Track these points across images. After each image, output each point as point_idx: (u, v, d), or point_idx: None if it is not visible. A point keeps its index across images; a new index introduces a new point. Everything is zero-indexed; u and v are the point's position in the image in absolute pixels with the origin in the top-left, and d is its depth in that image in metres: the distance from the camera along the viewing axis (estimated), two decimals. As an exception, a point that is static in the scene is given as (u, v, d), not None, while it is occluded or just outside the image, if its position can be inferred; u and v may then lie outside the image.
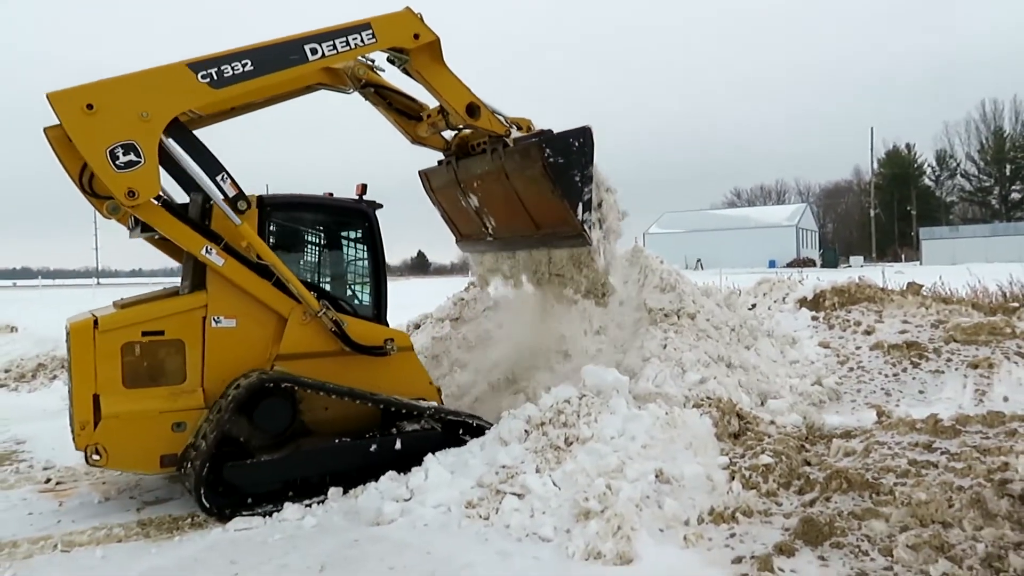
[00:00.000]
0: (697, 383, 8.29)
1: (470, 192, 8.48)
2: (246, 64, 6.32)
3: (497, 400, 8.52)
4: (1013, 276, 14.84)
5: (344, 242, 7.61)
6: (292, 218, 7.21)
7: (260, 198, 6.68)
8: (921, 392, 8.90)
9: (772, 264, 63.42)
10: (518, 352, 9.17)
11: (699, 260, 68.94)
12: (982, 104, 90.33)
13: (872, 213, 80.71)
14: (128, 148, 5.79)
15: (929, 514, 4.97)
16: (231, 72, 6.26)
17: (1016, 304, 12.19)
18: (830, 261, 68.30)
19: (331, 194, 7.44)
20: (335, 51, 6.73)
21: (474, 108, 7.44)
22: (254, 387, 6.11)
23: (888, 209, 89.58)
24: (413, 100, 8.14)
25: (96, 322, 6.03)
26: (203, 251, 6.21)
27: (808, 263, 65.15)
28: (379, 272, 7.36)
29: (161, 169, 6.14)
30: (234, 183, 6.33)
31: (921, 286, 12.80)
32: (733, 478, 6.05)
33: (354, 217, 7.38)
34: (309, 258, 7.50)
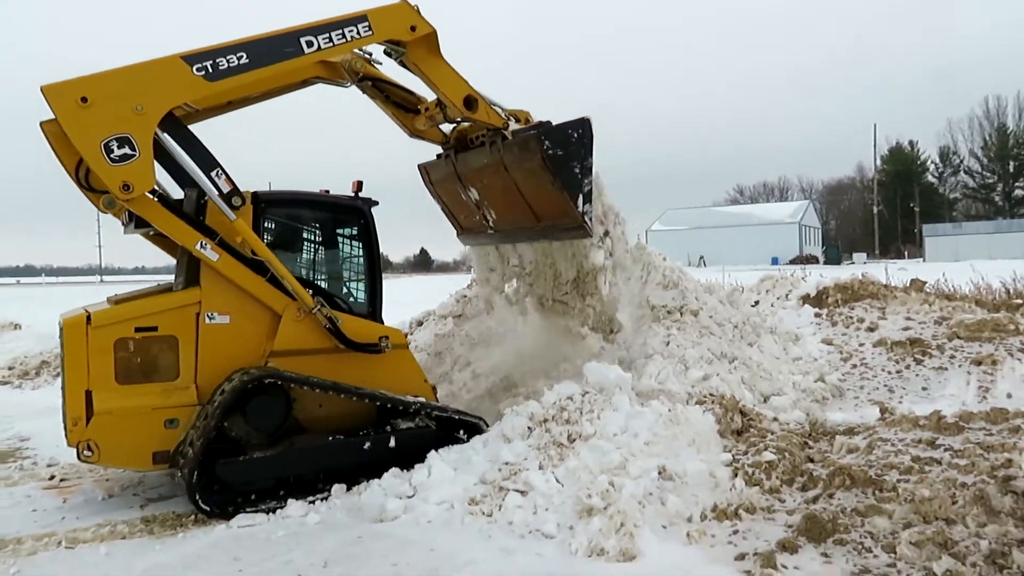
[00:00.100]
0: (700, 380, 8.29)
1: (470, 185, 8.45)
2: (241, 57, 6.29)
3: (498, 400, 8.52)
4: (1016, 273, 14.83)
5: (339, 239, 7.58)
6: (287, 214, 7.19)
7: (255, 194, 6.66)
8: (924, 389, 8.89)
9: (775, 261, 63.35)
10: (519, 356, 9.14)
11: (702, 257, 68.88)
12: (985, 100, 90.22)
13: (875, 210, 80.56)
14: (123, 141, 5.77)
15: (932, 511, 4.97)
16: (226, 65, 6.23)
17: (1020, 301, 12.16)
18: (833, 258, 68.15)
19: (327, 191, 7.42)
20: (331, 44, 6.69)
21: (472, 101, 7.40)
22: (245, 384, 6.07)
23: (891, 206, 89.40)
24: (411, 93, 8.10)
25: (89, 318, 6.02)
26: (197, 246, 6.19)
27: (811, 260, 65.03)
28: (374, 269, 7.34)
29: (156, 164, 6.11)
30: (229, 178, 6.31)
31: (924, 283, 12.79)
32: (736, 475, 6.05)
33: (349, 214, 7.36)
34: (304, 255, 7.48)
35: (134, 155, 5.80)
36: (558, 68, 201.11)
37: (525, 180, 7.51)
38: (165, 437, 6.08)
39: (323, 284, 7.32)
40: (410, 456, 6.47)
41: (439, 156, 8.88)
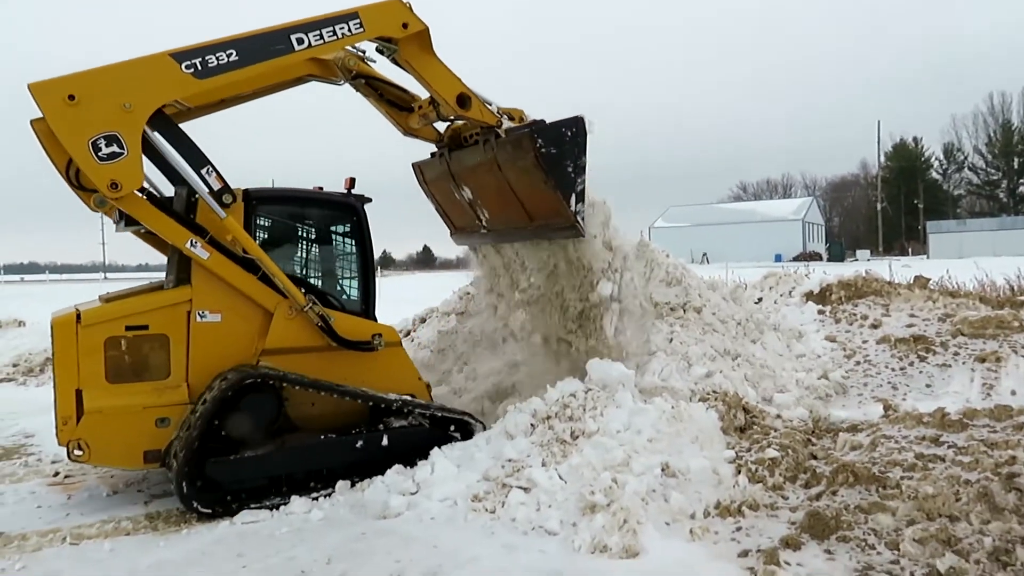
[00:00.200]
0: (703, 377, 8.29)
1: (463, 184, 8.39)
2: (231, 54, 6.23)
3: (500, 399, 8.51)
4: (1021, 270, 14.80)
5: (332, 236, 7.53)
6: (279, 212, 7.13)
7: (246, 191, 6.62)
8: (928, 386, 8.88)
9: (778, 258, 63.26)
10: (519, 370, 9.08)
11: (705, 254, 68.86)
12: (990, 97, 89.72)
13: (879, 207, 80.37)
14: (111, 139, 5.72)
15: (936, 508, 4.96)
16: (216, 62, 6.16)
17: (1024, 298, 12.14)
18: (836, 255, 68.07)
19: (321, 188, 7.37)
20: (322, 41, 6.62)
21: (465, 99, 7.34)
22: (236, 383, 6.02)
23: (895, 203, 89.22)
24: (404, 91, 8.04)
25: (79, 316, 5.98)
26: (188, 244, 6.15)
27: (814, 257, 65.01)
28: (367, 266, 7.29)
29: (147, 161, 6.09)
30: (219, 176, 6.25)
31: (928, 280, 12.76)
32: (739, 472, 6.05)
33: (342, 211, 7.31)
34: (296, 252, 7.42)
35: (122, 153, 5.75)
36: (558, 67, 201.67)
37: (518, 179, 7.46)
38: (156, 436, 6.05)
39: (315, 282, 7.26)
40: (403, 455, 6.43)
41: (433, 154, 8.82)
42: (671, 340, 8.80)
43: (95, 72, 5.87)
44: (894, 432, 6.65)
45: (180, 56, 6.07)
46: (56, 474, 7.20)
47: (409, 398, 6.86)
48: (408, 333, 11.99)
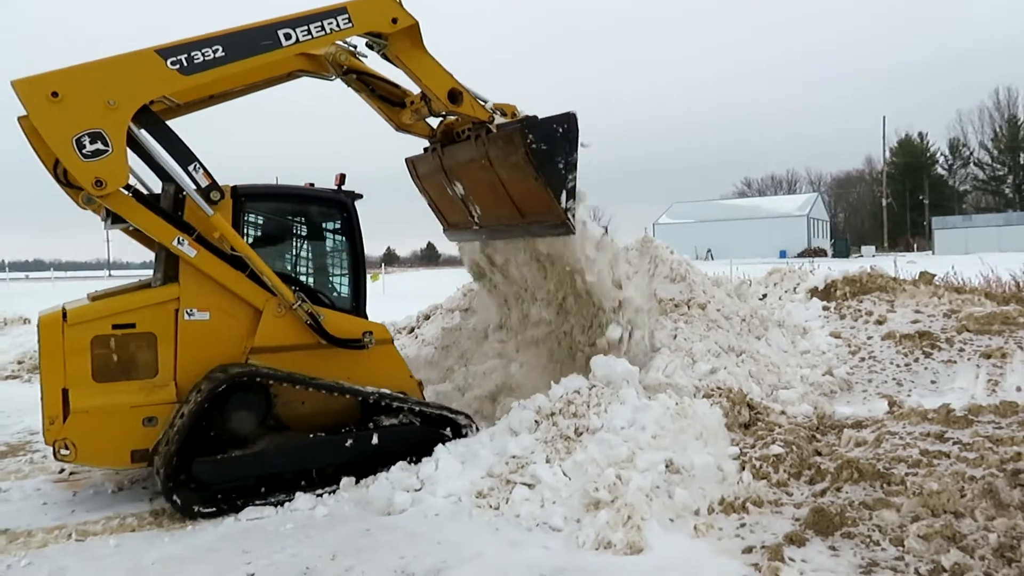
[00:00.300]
0: (707, 373, 8.29)
1: (455, 180, 8.34)
2: (217, 50, 6.14)
3: (502, 397, 8.49)
4: (1027, 266, 14.74)
5: (322, 233, 7.46)
6: (268, 209, 7.05)
7: (234, 188, 6.54)
8: (933, 382, 8.87)
9: (783, 254, 63.07)
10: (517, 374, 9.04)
11: (709, 250, 68.73)
12: (996, 92, 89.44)
13: (884, 202, 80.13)
14: (95, 137, 5.65)
15: (941, 504, 4.96)
16: (201, 58, 6.08)
17: (1029, 293, 12.10)
18: (841, 251, 67.94)
19: (312, 184, 7.31)
20: (309, 36, 6.53)
21: (456, 94, 7.27)
22: (223, 381, 5.95)
23: (900, 198, 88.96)
24: (396, 86, 7.95)
25: (65, 315, 5.93)
26: (175, 242, 6.07)
27: (819, 253, 64.80)
28: (358, 263, 7.21)
29: (136, 158, 6.04)
30: (207, 173, 6.18)
31: (933, 275, 12.74)
32: (743, 468, 6.05)
33: (332, 208, 7.21)
34: (285, 249, 7.33)
35: (107, 150, 5.68)
36: (560, 60, 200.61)
37: (509, 175, 7.40)
38: (143, 435, 5.98)
39: (305, 279, 7.19)
40: (395, 454, 6.39)
41: (426, 150, 8.77)
42: (675, 336, 8.80)
43: (79, 68, 5.79)
44: (899, 428, 6.65)
45: (165, 52, 5.98)
46: (61, 471, 7.22)
47: (390, 393, 6.73)
48: (412, 330, 12.01)
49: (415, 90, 7.72)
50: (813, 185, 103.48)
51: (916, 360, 9.41)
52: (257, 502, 5.95)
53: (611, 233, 8.20)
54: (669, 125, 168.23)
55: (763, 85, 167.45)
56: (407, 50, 7.09)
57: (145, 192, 6.71)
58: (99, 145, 5.67)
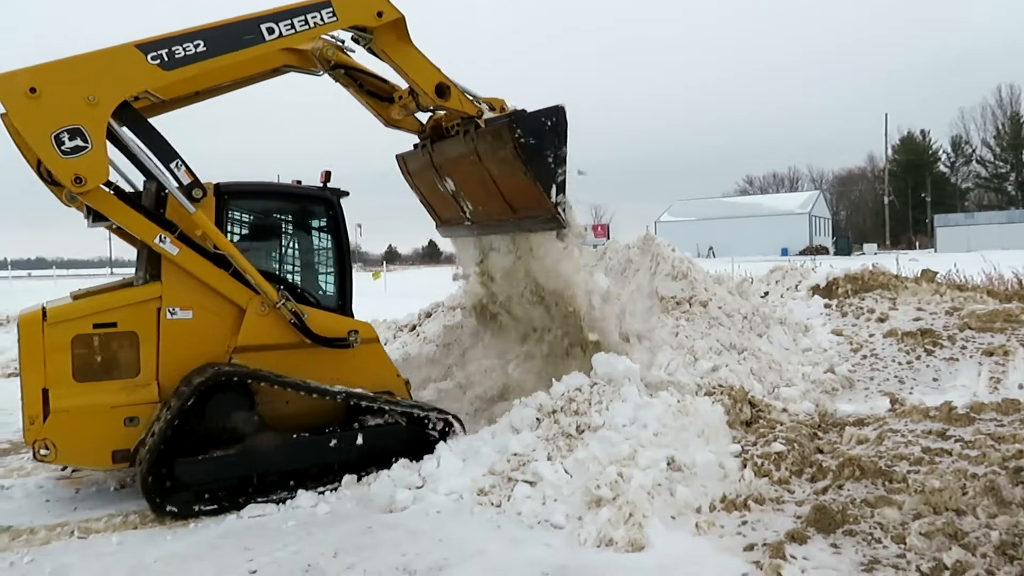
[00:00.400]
0: (709, 371, 8.29)
1: (446, 175, 8.26)
2: (198, 44, 6.05)
3: (505, 394, 8.49)
4: (1029, 263, 14.71)
5: (307, 231, 7.39)
6: (251, 206, 6.98)
7: (217, 186, 6.47)
8: (935, 380, 8.85)
9: (785, 252, 63.08)
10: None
11: (711, 248, 68.72)
12: (998, 89, 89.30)
13: (886, 200, 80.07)
14: (74, 133, 5.57)
15: (943, 502, 4.96)
16: (183, 53, 5.99)
17: (1032, 291, 12.09)
18: (843, 249, 67.89)
19: (299, 182, 7.25)
20: (293, 30, 6.44)
21: (444, 89, 7.17)
22: (205, 381, 5.88)
23: (902, 196, 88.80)
24: (385, 81, 7.85)
25: (45, 314, 5.87)
26: (156, 240, 6.00)
27: (821, 251, 64.76)
28: (344, 261, 7.13)
29: (120, 155, 5.97)
30: (189, 170, 6.12)
31: (935, 273, 12.73)
32: (745, 466, 6.05)
33: (317, 205, 7.14)
34: (270, 247, 7.25)
35: (86, 147, 5.60)
36: (560, 59, 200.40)
37: (498, 170, 7.32)
38: (125, 435, 5.91)
39: (290, 277, 7.11)
40: (381, 454, 6.36)
41: (416, 146, 8.70)
42: (677, 334, 8.81)
43: (57, 64, 5.71)
44: (900, 426, 6.64)
45: (146, 47, 5.90)
46: (64, 468, 7.23)
47: (367, 392, 6.62)
48: (414, 327, 12.02)
49: (403, 85, 7.64)
50: (815, 183, 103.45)
51: (918, 358, 9.40)
52: (239, 502, 5.88)
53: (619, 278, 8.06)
54: (671, 124, 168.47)
55: (764, 84, 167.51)
56: (393, 44, 6.99)
57: (130, 189, 6.63)
58: (78, 141, 5.60)
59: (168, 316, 6.15)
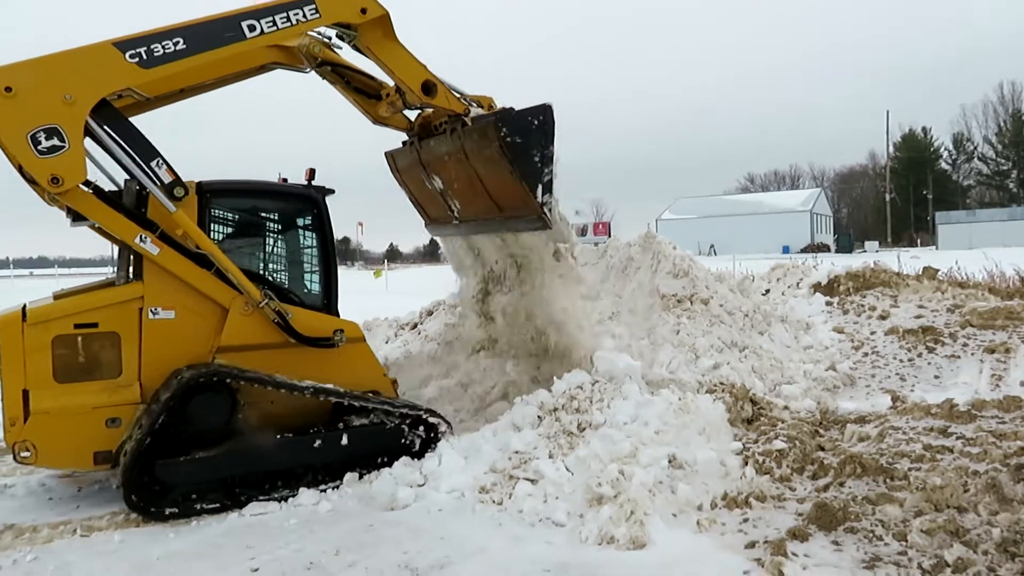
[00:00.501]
0: (710, 369, 8.30)
1: (433, 174, 8.19)
2: (178, 42, 5.95)
3: (507, 392, 8.48)
4: (1030, 260, 14.70)
5: (291, 229, 7.31)
6: (234, 205, 6.85)
7: (199, 184, 6.39)
8: (936, 377, 8.86)
9: (786, 250, 63.06)
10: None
11: (712, 246, 68.70)
12: (1000, 86, 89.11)
13: (887, 198, 79.98)
14: (51, 132, 5.49)
15: (944, 499, 4.96)
16: (162, 51, 5.90)
17: (1033, 288, 12.08)
18: (845, 246, 67.83)
19: (285, 179, 7.18)
20: (275, 27, 6.35)
21: (430, 86, 7.09)
22: (187, 382, 5.81)
23: (904, 193, 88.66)
24: (372, 78, 7.73)
25: (24, 314, 5.80)
26: (136, 240, 5.92)
27: (822, 248, 64.78)
28: (329, 260, 7.06)
29: (104, 153, 5.91)
30: (170, 169, 6.02)
31: (937, 271, 12.73)
32: (746, 463, 6.05)
33: (301, 203, 7.06)
34: (253, 246, 7.16)
35: (63, 147, 5.52)
36: (558, 59, 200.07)
37: (484, 168, 7.24)
38: (107, 436, 5.84)
39: (274, 277, 7.04)
40: (367, 455, 6.33)
41: (404, 143, 8.62)
42: (678, 332, 8.81)
43: (33, 62, 5.62)
44: (902, 423, 6.64)
45: (124, 45, 5.81)
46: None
47: (345, 390, 6.51)
48: (415, 326, 12.03)
49: (391, 82, 7.54)
50: (816, 180, 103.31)
51: (919, 355, 9.40)
52: (222, 504, 5.83)
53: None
54: (672, 122, 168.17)
55: (765, 83, 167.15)
56: (378, 41, 6.91)
57: (115, 187, 6.54)
58: (55, 141, 5.52)
59: (150, 316, 6.06)
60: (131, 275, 6.32)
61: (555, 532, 5.18)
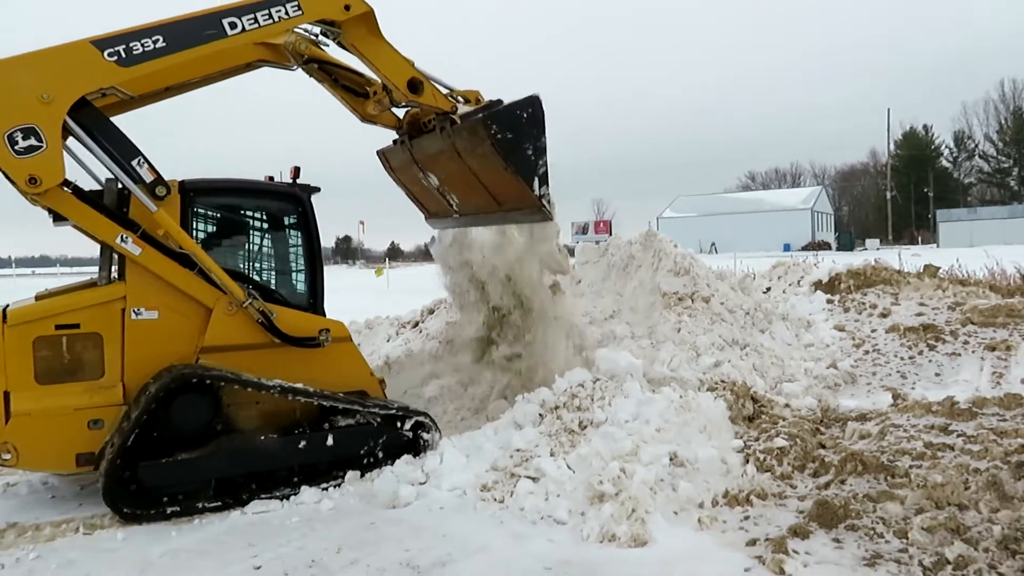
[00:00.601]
0: (711, 366, 8.31)
1: (428, 171, 8.13)
2: (157, 40, 5.86)
3: (509, 390, 8.48)
4: (1032, 258, 14.70)
5: (275, 228, 7.25)
6: (218, 204, 6.81)
7: (182, 183, 6.30)
8: (937, 375, 8.86)
9: (787, 247, 63.06)
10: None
11: (713, 244, 68.69)
12: (1001, 84, 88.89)
13: (888, 195, 79.92)
14: (28, 132, 5.42)
15: (945, 496, 4.96)
16: (141, 49, 5.80)
17: (1034, 286, 12.08)
18: (846, 244, 67.79)
19: (271, 178, 7.14)
20: (256, 25, 6.25)
21: (416, 83, 6.97)
22: (169, 382, 5.75)
23: (905, 191, 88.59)
24: (360, 75, 7.62)
25: (4, 315, 5.75)
26: (118, 240, 5.85)
27: (823, 246, 64.77)
28: (314, 259, 6.96)
29: (87, 152, 5.86)
30: (151, 168, 5.94)
31: (938, 268, 12.74)
32: (747, 461, 6.06)
33: (286, 202, 6.99)
34: (237, 246, 7.09)
35: (41, 147, 5.46)
36: (559, 59, 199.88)
37: (479, 166, 7.17)
38: (89, 438, 5.77)
39: (258, 276, 6.97)
40: (354, 456, 6.29)
41: (395, 141, 8.53)
42: (679, 330, 8.82)
43: (9, 61, 5.55)
44: (903, 421, 6.65)
45: (102, 43, 5.73)
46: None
47: (327, 392, 6.44)
48: (417, 324, 12.03)
49: (379, 79, 7.43)
50: (817, 178, 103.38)
51: (920, 353, 9.41)
52: (207, 506, 5.79)
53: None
54: (673, 121, 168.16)
55: (765, 82, 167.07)
56: (363, 38, 6.82)
57: (99, 187, 6.41)
58: (32, 141, 5.45)
59: (133, 316, 5.99)
60: (114, 275, 6.25)
61: (556, 530, 5.18)
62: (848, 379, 9.00)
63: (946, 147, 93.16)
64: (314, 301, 6.89)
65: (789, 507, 5.37)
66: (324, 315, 6.85)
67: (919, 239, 72.43)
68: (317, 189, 7.05)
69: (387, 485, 5.92)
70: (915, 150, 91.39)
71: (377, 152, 9.02)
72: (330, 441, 6.24)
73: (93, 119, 5.88)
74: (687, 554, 4.74)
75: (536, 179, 6.84)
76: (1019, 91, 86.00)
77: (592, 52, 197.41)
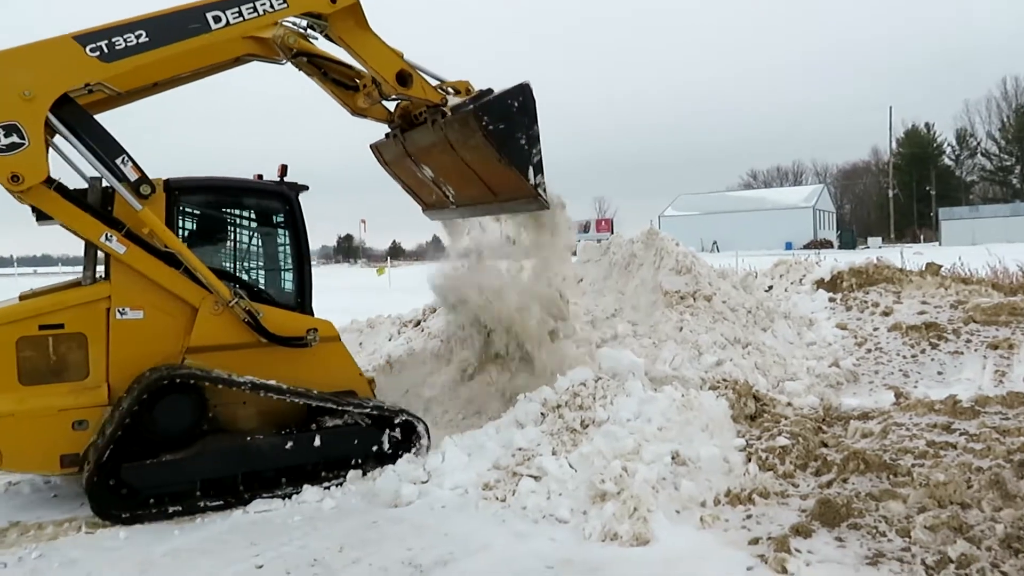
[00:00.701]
0: (713, 365, 8.30)
1: (422, 164, 8.08)
2: (140, 35, 5.80)
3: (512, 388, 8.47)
4: (1034, 256, 14.69)
5: (263, 227, 7.19)
6: (204, 202, 6.76)
7: (167, 181, 6.24)
8: (940, 373, 8.85)
9: (789, 246, 63.01)
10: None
11: (715, 242, 68.69)
12: (1003, 82, 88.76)
13: (890, 194, 79.88)
14: (9, 129, 5.38)
15: (947, 495, 4.95)
16: (124, 44, 5.74)
17: (1037, 284, 12.06)
18: (848, 242, 67.75)
19: (260, 176, 7.08)
20: (241, 18, 6.19)
21: (405, 76, 6.90)
22: (154, 383, 5.71)
23: (907, 189, 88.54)
24: (350, 68, 7.53)
25: None
26: (102, 238, 5.80)
27: (825, 244, 64.78)
28: (302, 258, 6.91)
29: (73, 149, 5.82)
30: (136, 166, 5.88)
31: (940, 267, 12.72)
32: (750, 460, 6.05)
33: (273, 200, 6.93)
34: (223, 245, 7.00)
35: (23, 144, 5.40)
36: (560, 58, 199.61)
37: (472, 157, 7.11)
38: (73, 439, 5.71)
39: (245, 275, 6.91)
40: (341, 456, 6.28)
41: (388, 135, 8.48)
42: (681, 328, 8.81)
43: None
44: (905, 419, 6.64)
45: (84, 39, 5.67)
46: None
47: (310, 391, 6.38)
48: (419, 323, 12.03)
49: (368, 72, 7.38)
50: (819, 176, 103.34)
51: (923, 351, 9.39)
52: (194, 507, 5.76)
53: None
54: (674, 119, 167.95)
55: (767, 80, 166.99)
56: (350, 30, 6.75)
57: (85, 184, 6.33)
58: (14, 138, 5.40)
59: (118, 316, 5.93)
60: (99, 275, 6.20)
61: (558, 529, 5.18)
62: (850, 378, 8.99)
63: (948, 145, 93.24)
64: (302, 300, 6.84)
65: (791, 506, 5.36)
66: (312, 314, 6.81)
67: (921, 237, 72.36)
68: (305, 187, 7.00)
69: (389, 484, 5.92)
70: (917, 148, 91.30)
71: (370, 146, 8.95)
72: (317, 441, 6.21)
73: (76, 116, 5.83)
74: (689, 553, 4.74)
75: (530, 168, 6.80)
76: (1021, 89, 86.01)
77: (592, 52, 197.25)
